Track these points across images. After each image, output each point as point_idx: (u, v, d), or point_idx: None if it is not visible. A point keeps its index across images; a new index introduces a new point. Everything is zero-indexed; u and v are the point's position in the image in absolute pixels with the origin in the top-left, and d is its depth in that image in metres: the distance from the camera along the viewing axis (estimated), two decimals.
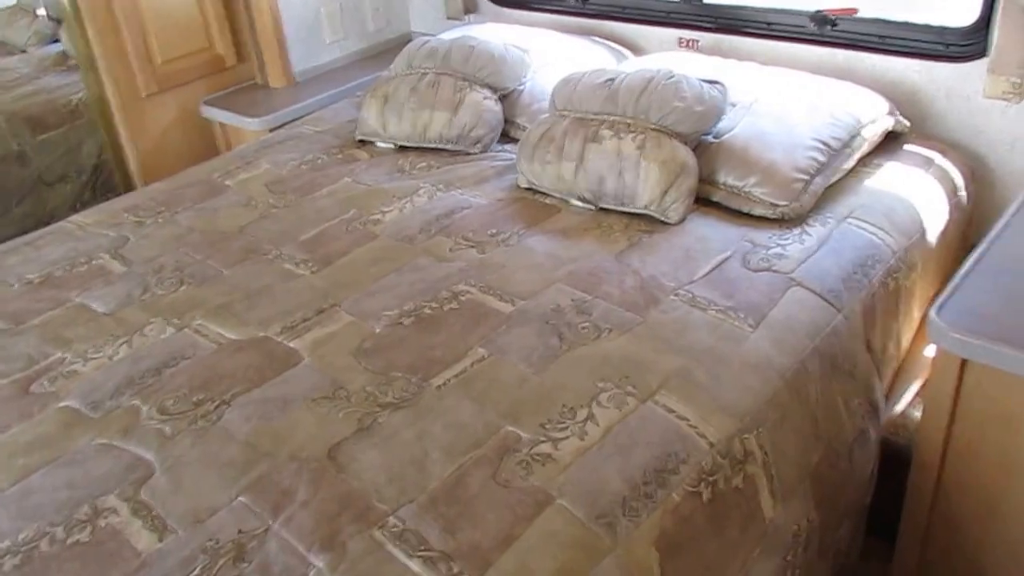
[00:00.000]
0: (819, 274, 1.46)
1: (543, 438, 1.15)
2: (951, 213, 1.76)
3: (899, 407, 1.59)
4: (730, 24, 2.16)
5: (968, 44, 1.79)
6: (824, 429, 1.32)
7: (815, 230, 1.59)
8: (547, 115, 1.89)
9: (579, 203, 1.75)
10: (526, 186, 1.83)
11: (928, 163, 1.81)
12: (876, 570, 1.56)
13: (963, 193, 1.82)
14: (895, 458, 1.50)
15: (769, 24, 2.10)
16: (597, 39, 2.38)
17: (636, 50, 2.36)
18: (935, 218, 1.71)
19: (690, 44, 2.23)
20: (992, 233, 1.44)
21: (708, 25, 2.21)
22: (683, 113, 1.68)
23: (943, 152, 1.85)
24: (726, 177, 1.67)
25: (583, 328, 1.36)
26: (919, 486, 1.42)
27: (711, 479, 1.13)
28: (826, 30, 2.01)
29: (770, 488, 1.21)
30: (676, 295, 1.43)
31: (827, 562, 1.40)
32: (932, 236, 1.68)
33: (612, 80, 1.79)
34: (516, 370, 1.28)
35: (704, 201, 1.69)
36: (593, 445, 1.14)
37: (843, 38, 1.99)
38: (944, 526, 1.41)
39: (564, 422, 1.18)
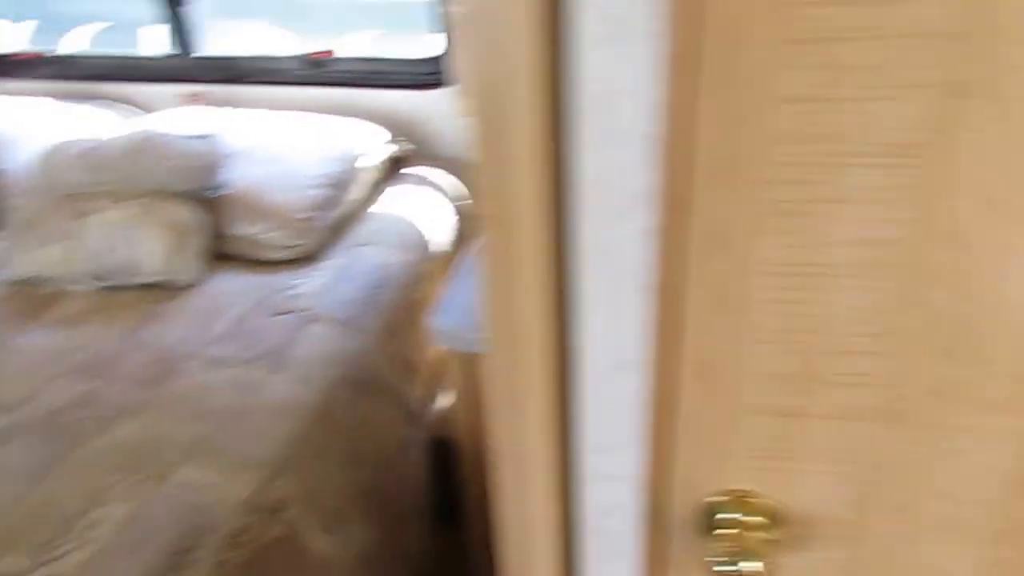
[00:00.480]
0: (336, 304, 1.52)
1: (41, 562, 1.02)
2: (456, 223, 1.98)
3: (440, 406, 1.73)
4: (230, 75, 2.16)
5: (438, 73, 2.03)
6: (364, 449, 1.38)
7: (330, 263, 1.65)
8: (33, 194, 1.68)
9: (81, 286, 1.59)
10: (19, 278, 1.61)
11: (433, 181, 2.01)
12: (455, 558, 1.68)
13: (464, 203, 2.05)
14: (450, 452, 1.62)
15: (267, 71, 2.15)
16: (102, 101, 2.21)
17: (146, 109, 2.23)
18: (441, 231, 1.90)
19: (196, 98, 2.18)
20: (477, 237, 1.64)
21: (211, 78, 2.18)
22: (176, 172, 1.62)
23: (445, 168, 2.07)
24: (236, 228, 1.65)
25: (89, 422, 1.24)
26: (469, 472, 1.55)
27: (244, 539, 1.10)
28: (317, 72, 2.12)
29: (316, 524, 1.22)
30: (194, 359, 1.37)
31: (403, 569, 1.46)
32: (439, 247, 1.86)
33: (95, 148, 1.66)
34: (7, 494, 1.12)
35: (222, 256, 1.66)
36: (101, 551, 1.04)
37: (336, 78, 2.11)
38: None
39: (65, 537, 1.05)
